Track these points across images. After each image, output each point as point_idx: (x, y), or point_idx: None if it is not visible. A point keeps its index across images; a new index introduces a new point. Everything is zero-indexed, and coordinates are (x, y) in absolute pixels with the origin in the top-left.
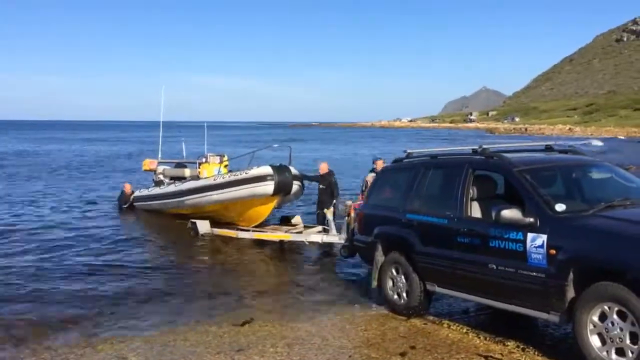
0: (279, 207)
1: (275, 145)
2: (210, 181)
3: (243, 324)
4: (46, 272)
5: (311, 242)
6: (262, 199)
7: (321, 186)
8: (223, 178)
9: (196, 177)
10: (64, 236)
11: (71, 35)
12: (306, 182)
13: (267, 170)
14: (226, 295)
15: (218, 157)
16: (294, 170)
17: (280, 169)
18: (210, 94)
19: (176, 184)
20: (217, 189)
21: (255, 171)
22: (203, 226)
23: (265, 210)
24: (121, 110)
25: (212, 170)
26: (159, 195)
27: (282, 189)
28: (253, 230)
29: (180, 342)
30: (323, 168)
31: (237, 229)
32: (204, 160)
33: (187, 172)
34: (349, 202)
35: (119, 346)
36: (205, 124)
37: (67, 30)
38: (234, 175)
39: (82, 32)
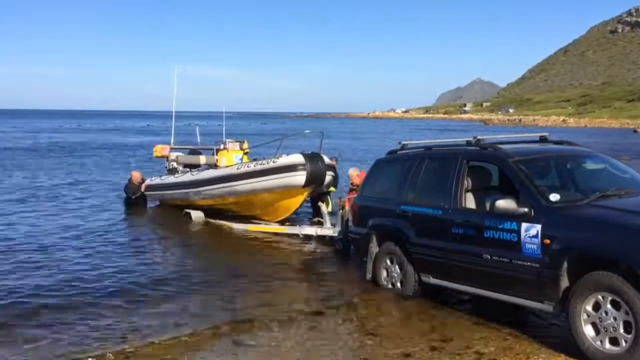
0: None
1: (307, 132)
2: (233, 170)
3: None
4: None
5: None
6: (292, 190)
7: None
8: (248, 167)
9: (213, 165)
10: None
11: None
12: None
13: (298, 158)
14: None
15: (238, 144)
16: (327, 160)
17: (312, 158)
18: (197, 84)
19: (192, 172)
20: (241, 179)
21: (285, 160)
22: (197, 216)
23: (294, 204)
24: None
25: (232, 158)
26: (174, 184)
27: (314, 180)
28: (247, 222)
29: None
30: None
31: (233, 221)
32: (222, 147)
33: (202, 159)
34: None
35: None
36: (224, 110)
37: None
38: (260, 164)
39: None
